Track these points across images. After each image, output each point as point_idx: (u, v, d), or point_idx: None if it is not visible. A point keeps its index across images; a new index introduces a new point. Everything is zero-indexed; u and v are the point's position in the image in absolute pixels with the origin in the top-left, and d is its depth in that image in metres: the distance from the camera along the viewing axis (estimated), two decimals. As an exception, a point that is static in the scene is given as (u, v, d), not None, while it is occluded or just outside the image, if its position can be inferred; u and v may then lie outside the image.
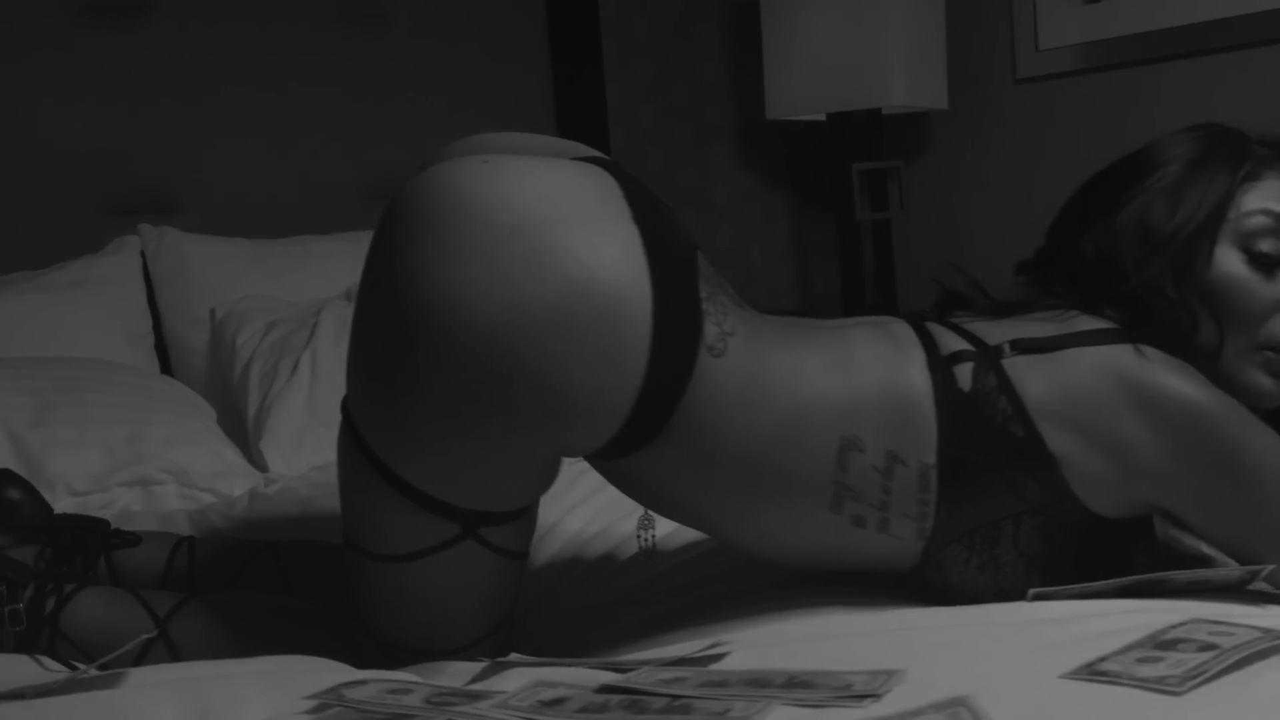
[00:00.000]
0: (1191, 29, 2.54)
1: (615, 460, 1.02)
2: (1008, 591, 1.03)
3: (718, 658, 0.94)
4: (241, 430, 1.92)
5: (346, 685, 0.89)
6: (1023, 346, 1.03)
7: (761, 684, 0.85)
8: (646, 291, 0.95)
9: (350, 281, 2.19)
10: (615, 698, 0.84)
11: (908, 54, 2.68)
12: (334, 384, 1.88)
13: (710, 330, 0.98)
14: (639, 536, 1.15)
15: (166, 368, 2.15)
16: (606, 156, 1.07)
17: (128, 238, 2.19)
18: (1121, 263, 1.07)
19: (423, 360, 0.95)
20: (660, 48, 2.99)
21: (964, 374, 1.02)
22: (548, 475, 1.05)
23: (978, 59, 2.88)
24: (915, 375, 1.02)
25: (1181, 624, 0.89)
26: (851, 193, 2.82)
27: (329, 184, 2.46)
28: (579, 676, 0.90)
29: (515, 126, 2.73)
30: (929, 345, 1.05)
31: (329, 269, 2.24)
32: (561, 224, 0.95)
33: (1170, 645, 0.85)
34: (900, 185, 2.91)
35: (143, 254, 2.18)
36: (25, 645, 1.11)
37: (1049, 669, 0.83)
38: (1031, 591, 1.01)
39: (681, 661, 0.92)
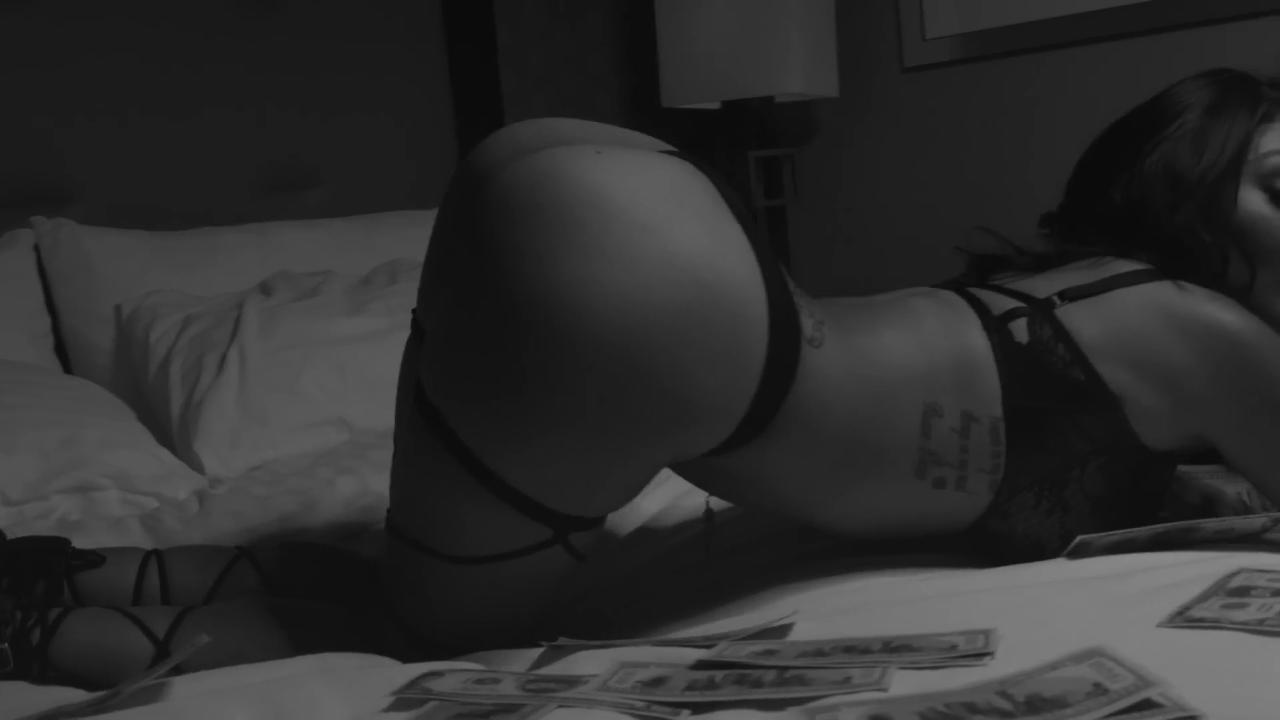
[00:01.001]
0: (1071, 19, 2.64)
1: (708, 457, 1.01)
2: (1072, 534, 1.06)
3: (787, 628, 0.93)
4: (162, 431, 1.82)
5: (425, 678, 0.85)
6: (1070, 295, 1.07)
7: (861, 650, 0.84)
8: (761, 292, 0.94)
9: (259, 275, 2.12)
10: (719, 674, 0.82)
11: (802, 42, 2.71)
12: (265, 381, 1.81)
13: (806, 323, 0.98)
14: (706, 535, 1.13)
15: (67, 368, 2.02)
16: (676, 149, 1.04)
17: (19, 231, 2.05)
18: (1151, 208, 1.12)
19: (548, 363, 0.90)
20: (551, 36, 2.96)
21: (1019, 329, 1.06)
22: (649, 480, 1.02)
23: (866, 48, 2.93)
24: (975, 336, 1.06)
25: (1236, 573, 0.92)
26: (748, 180, 2.85)
27: (223, 174, 2.35)
28: (659, 655, 0.88)
29: (414, 113, 2.69)
30: (980, 308, 1.07)
31: (237, 262, 2.15)
32: (688, 224, 0.92)
33: (1243, 592, 0.87)
34: (794, 172, 2.95)
35: (36, 248, 2.05)
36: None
37: (1139, 619, 0.85)
38: (1078, 539, 1.03)
39: (759, 634, 0.91)
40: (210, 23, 2.33)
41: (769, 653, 0.85)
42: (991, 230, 1.21)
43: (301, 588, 1.23)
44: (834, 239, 3.02)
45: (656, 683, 0.82)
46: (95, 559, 1.23)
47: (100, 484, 1.56)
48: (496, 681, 0.83)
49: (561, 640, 0.94)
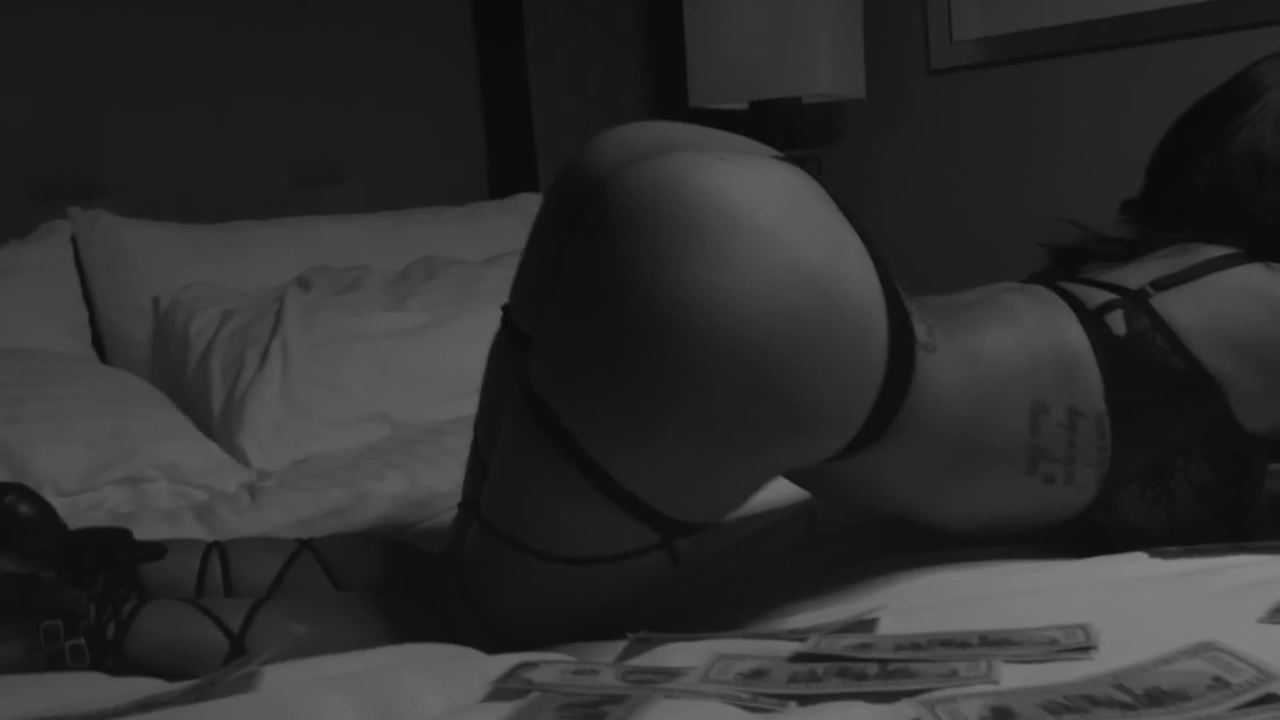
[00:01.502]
0: (1098, 24, 2.65)
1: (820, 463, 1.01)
2: (1179, 524, 1.07)
3: (873, 623, 0.93)
4: (202, 424, 1.82)
5: (521, 669, 0.84)
6: (1163, 283, 1.08)
7: (958, 644, 0.84)
8: (880, 299, 0.94)
9: (294, 269, 2.11)
10: (819, 667, 0.82)
11: (830, 43, 2.71)
12: (308, 375, 1.81)
13: (919, 328, 0.98)
14: (811, 538, 1.13)
15: (104, 360, 2.02)
16: (784, 155, 1.05)
17: (56, 222, 2.05)
18: (1237, 192, 1.13)
19: (675, 370, 0.90)
20: (578, 35, 2.96)
21: (1116, 321, 1.06)
22: (761, 488, 1.02)
23: (893, 50, 2.94)
24: (1073, 331, 1.06)
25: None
26: (774, 181, 2.84)
27: (256, 168, 2.35)
28: (751, 648, 0.88)
29: (442, 109, 2.69)
30: (1074, 303, 1.07)
31: (273, 256, 2.15)
32: (812, 232, 0.92)
33: (1336, 592, 0.87)
34: (820, 174, 2.95)
35: (73, 239, 2.04)
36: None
37: (1236, 615, 0.85)
38: (1152, 551, 1.03)
39: (847, 628, 0.91)
40: (244, 17, 2.33)
41: (864, 646, 0.85)
42: (1075, 221, 1.21)
43: (367, 580, 1.23)
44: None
45: (757, 675, 0.81)
46: (157, 550, 1.22)
47: (151, 475, 1.56)
48: (595, 673, 0.83)
49: (643, 633, 0.93)
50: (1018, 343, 1.04)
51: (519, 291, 1.13)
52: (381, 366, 1.86)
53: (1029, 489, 1.05)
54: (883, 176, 3.00)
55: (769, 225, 0.90)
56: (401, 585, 1.21)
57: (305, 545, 1.27)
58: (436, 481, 1.59)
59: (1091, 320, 1.06)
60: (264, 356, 1.82)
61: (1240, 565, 0.97)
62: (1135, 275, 1.10)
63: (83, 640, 1.01)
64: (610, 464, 0.93)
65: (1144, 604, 0.90)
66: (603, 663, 0.87)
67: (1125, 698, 0.70)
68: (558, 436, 0.94)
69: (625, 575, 0.99)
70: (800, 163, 3.02)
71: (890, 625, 0.93)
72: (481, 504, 1.04)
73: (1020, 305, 1.08)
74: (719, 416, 0.91)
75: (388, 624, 1.05)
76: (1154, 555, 1.03)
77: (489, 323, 1.97)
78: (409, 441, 1.74)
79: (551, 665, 0.85)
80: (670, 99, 3.05)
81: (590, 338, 0.93)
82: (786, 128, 2.90)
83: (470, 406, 1.88)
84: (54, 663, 1.01)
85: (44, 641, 1.01)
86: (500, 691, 0.81)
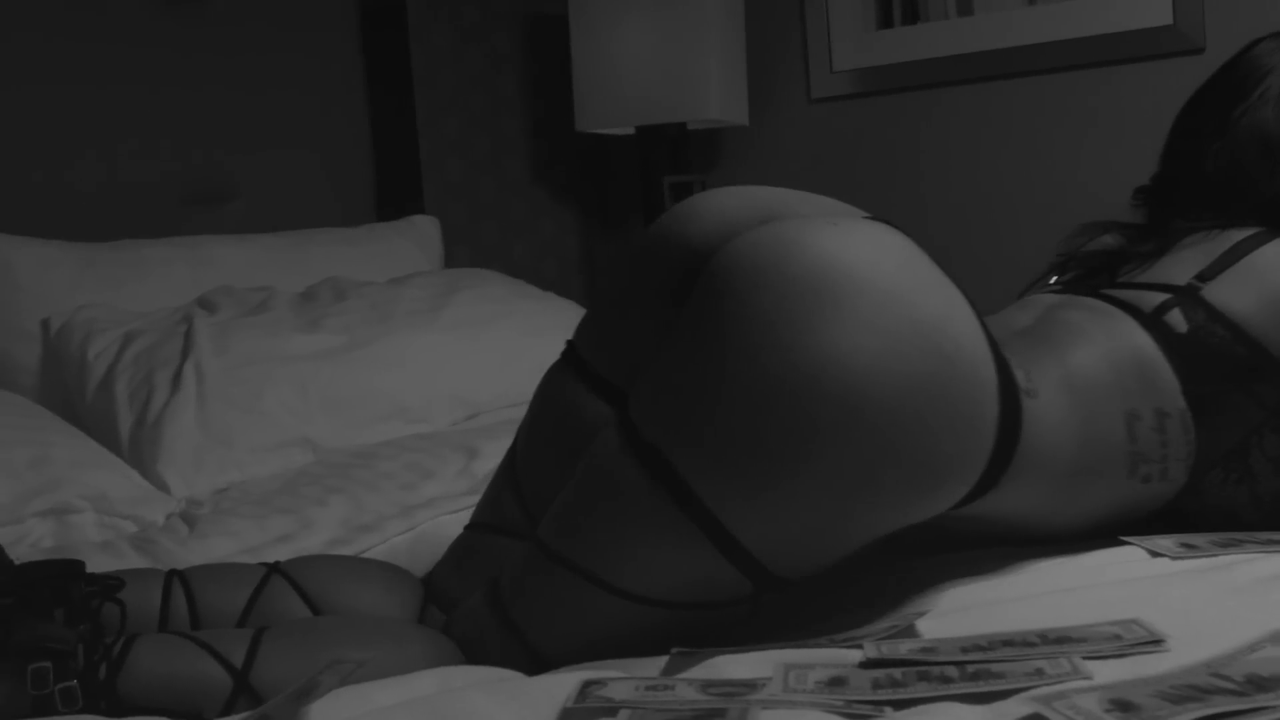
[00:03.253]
0: (973, 57, 2.75)
1: None
2: (1261, 497, 1.12)
3: (911, 626, 0.93)
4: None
5: (591, 687, 0.82)
6: (1207, 275, 1.12)
7: (1021, 643, 0.85)
8: (989, 355, 0.94)
9: (191, 289, 2.03)
10: (898, 672, 0.82)
11: (717, 69, 2.75)
12: (226, 399, 1.74)
13: (1019, 375, 0.99)
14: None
15: (-14, 388, 1.89)
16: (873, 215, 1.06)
17: (-66, 241, 1.91)
18: (1249, 175, 1.18)
19: (803, 430, 0.89)
20: (461, 58, 2.92)
21: (1175, 319, 1.10)
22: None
23: (775, 78, 2.99)
24: (1138, 336, 1.09)
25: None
26: (663, 205, 2.86)
27: (145, 184, 2.24)
28: (811, 657, 0.87)
29: (330, 129, 2.62)
30: (1129, 309, 1.12)
31: (169, 276, 2.05)
32: (926, 293, 0.92)
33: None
34: (705, 199, 2.97)
35: (-48, 259, 1.91)
36: None
37: (1276, 605, 0.88)
38: (1180, 543, 1.06)
39: (892, 634, 0.91)
40: (129, 29, 2.23)
41: (929, 650, 0.85)
42: (1103, 222, 1.25)
43: (350, 604, 1.16)
44: (743, 265, 3.05)
45: (837, 683, 0.81)
46: (115, 582, 1.13)
47: (77, 506, 1.46)
48: (671, 688, 0.81)
49: (685, 648, 0.92)
50: (1098, 359, 1.07)
51: (603, 345, 1.13)
52: (302, 389, 1.80)
53: (1130, 490, 1.08)
54: (765, 202, 3.04)
55: (888, 285, 0.90)
56: (395, 608, 1.15)
57: (274, 569, 1.20)
58: (381, 505, 1.53)
59: (1153, 323, 1.10)
60: (176, 380, 1.73)
61: (1247, 560, 1.00)
62: (1176, 270, 1.14)
63: (75, 683, 0.93)
64: (723, 512, 0.92)
65: (1176, 599, 0.93)
66: (676, 678, 0.84)
67: (1230, 685, 0.72)
68: (670, 482, 0.93)
69: (701, 621, 0.97)
70: (686, 188, 3.05)
71: (931, 629, 0.93)
72: (546, 535, 1.00)
73: (1083, 321, 1.11)
74: (842, 475, 0.90)
75: (416, 647, 1.00)
76: (1155, 556, 1.07)
77: (409, 345, 1.95)
78: (340, 466, 1.67)
79: (621, 682, 0.83)
80: (556, 123, 3.04)
81: (716, 392, 0.91)
82: (673, 153, 2.92)
83: (395, 430, 1.84)
84: (42, 708, 0.93)
85: (31, 685, 0.93)
86: (578, 712, 0.79)
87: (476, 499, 1.52)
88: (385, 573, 1.20)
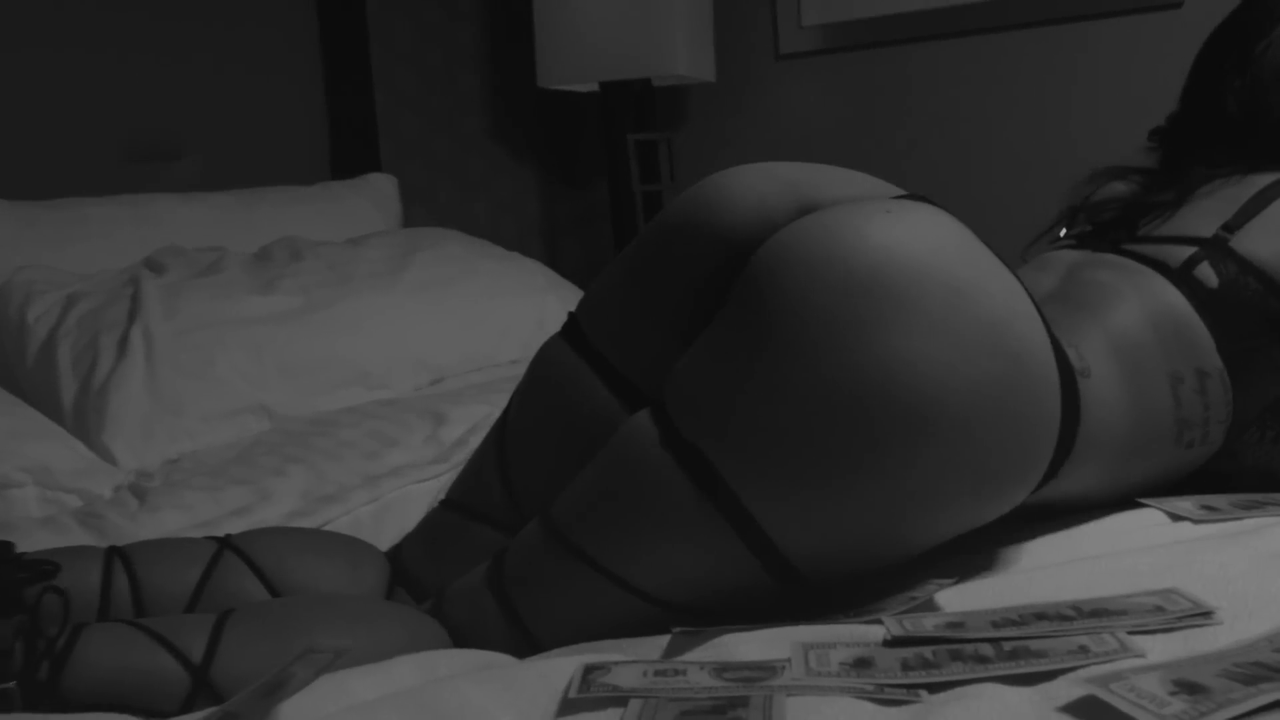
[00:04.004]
0: (943, 12, 2.68)
1: None
2: None
3: (930, 600, 0.87)
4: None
5: (594, 672, 0.74)
6: (1234, 224, 1.06)
7: (1055, 616, 0.78)
8: (1049, 347, 0.86)
9: (138, 250, 1.92)
10: (927, 651, 0.75)
11: (683, 24, 2.66)
12: (176, 365, 1.64)
13: (1071, 355, 0.92)
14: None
15: (-81, 354, 1.77)
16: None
17: None
18: (1271, 114, 1.13)
19: (869, 440, 0.81)
20: (417, 11, 2.81)
21: (1205, 274, 1.04)
22: None
23: (742, 34, 2.91)
24: (1170, 294, 1.03)
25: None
26: (627, 164, 2.78)
27: (88, 141, 2.13)
28: (827, 634, 0.80)
29: (283, 84, 2.51)
30: (1156, 265, 1.05)
31: (114, 236, 1.94)
32: (987, 283, 0.84)
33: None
34: (671, 157, 2.89)
35: (-120, 218, 1.79)
36: None
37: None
38: (1200, 505, 1.00)
39: (910, 608, 0.84)
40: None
41: (957, 625, 0.78)
42: (1114, 168, 1.19)
43: (312, 581, 1.08)
44: (710, 226, 2.98)
45: (863, 664, 0.74)
46: (49, 567, 1.03)
47: (17, 479, 1.36)
48: (681, 673, 0.74)
49: (681, 630, 0.84)
50: (1138, 320, 1.01)
51: (618, 339, 1.02)
52: (257, 354, 1.70)
53: (1174, 458, 1.03)
54: (731, 160, 2.94)
55: (953, 281, 0.82)
56: (361, 586, 1.07)
57: (225, 544, 1.09)
58: (344, 475, 1.45)
59: (1182, 278, 1.04)
60: (123, 345, 1.63)
61: (1277, 524, 0.95)
62: (1199, 221, 1.08)
63: (13, 685, 0.84)
64: (765, 516, 0.84)
65: (1214, 566, 0.86)
66: (683, 661, 0.77)
67: (1301, 663, 0.66)
68: (709, 483, 0.85)
69: (709, 617, 0.90)
70: (651, 146, 2.96)
71: (952, 601, 0.87)
72: (562, 523, 0.92)
73: (1114, 280, 1.04)
74: (904, 485, 0.82)
75: (394, 629, 0.92)
76: (1175, 520, 1.01)
77: (370, 307, 1.85)
78: (298, 434, 1.58)
79: (626, 667, 0.75)
80: (516, 79, 2.94)
81: (770, 396, 0.83)
82: (638, 110, 2.83)
83: (355, 396, 1.75)
84: None
85: None
86: (583, 702, 0.71)
87: (445, 467, 1.45)
88: (349, 547, 1.11)
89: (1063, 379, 0.87)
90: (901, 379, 0.80)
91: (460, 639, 0.93)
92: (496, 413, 1.57)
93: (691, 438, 0.85)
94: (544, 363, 1.08)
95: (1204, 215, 1.09)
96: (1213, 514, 0.99)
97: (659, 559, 0.87)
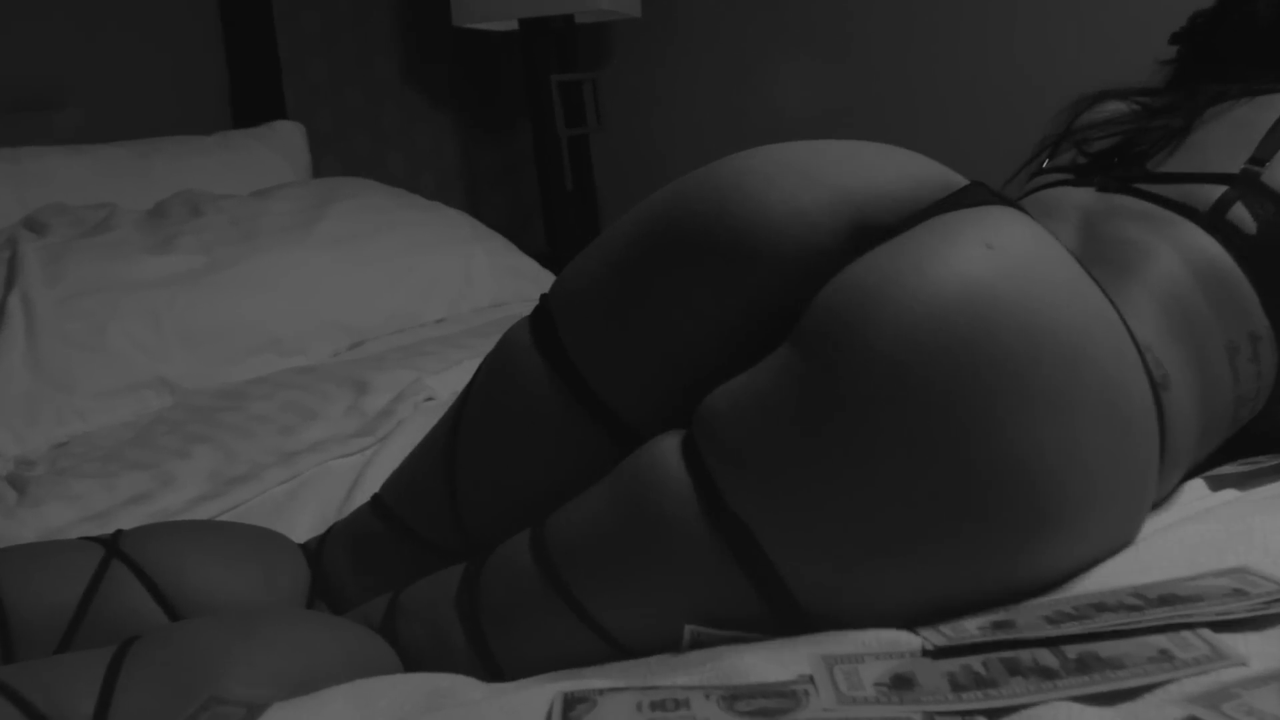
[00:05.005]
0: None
1: None
2: None
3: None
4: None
5: (576, 706, 0.60)
6: (1261, 155, 0.92)
7: (1119, 607, 0.66)
8: (1150, 391, 0.74)
9: (18, 209, 1.74)
10: (975, 662, 0.62)
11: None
12: (62, 336, 1.47)
13: (1150, 362, 0.78)
14: None
15: None
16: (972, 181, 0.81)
17: None
18: None
19: (967, 540, 0.68)
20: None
21: (1240, 217, 0.89)
22: None
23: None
24: (1205, 242, 0.88)
25: None
26: (550, 106, 2.61)
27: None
28: (852, 643, 0.67)
29: (176, 27, 2.30)
30: (1180, 208, 0.90)
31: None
32: (1095, 332, 0.71)
33: None
34: (597, 98, 2.73)
35: None
36: None
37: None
38: (1242, 468, 0.89)
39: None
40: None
41: (1005, 625, 0.66)
42: (1105, 91, 1.05)
43: (215, 594, 0.89)
44: (641, 170, 2.82)
45: (902, 683, 0.61)
46: None
47: (-125, 472, 1.18)
48: (683, 704, 0.60)
49: (696, 628, 0.71)
50: (1186, 287, 0.86)
51: (599, 358, 0.82)
52: (154, 321, 1.52)
53: (1223, 437, 0.90)
54: (666, 99, 2.81)
55: (1068, 337, 0.69)
56: (282, 593, 0.91)
57: (113, 552, 0.89)
58: (256, 453, 1.29)
59: (1215, 224, 0.89)
60: (-1, 315, 1.45)
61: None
62: (1220, 154, 0.94)
63: None
64: (812, 599, 0.70)
65: (1266, 532, 0.75)
66: (680, 686, 0.63)
67: None
68: (749, 559, 0.70)
69: None
70: (575, 87, 2.80)
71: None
72: (554, 554, 0.76)
73: (1144, 236, 0.89)
74: (1002, 567, 0.70)
75: (330, 651, 0.76)
76: (1215, 489, 0.89)
77: (279, 265, 1.68)
78: (205, 410, 1.42)
79: (615, 698, 0.61)
80: (430, 18, 2.75)
81: (852, 482, 0.68)
82: (560, 49, 2.67)
83: (268, 365, 1.59)
84: None
85: None
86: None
87: (369, 441, 1.29)
88: (261, 549, 0.93)
89: (1160, 421, 0.75)
90: (1017, 474, 0.67)
91: (413, 661, 0.78)
92: (425, 380, 1.43)
93: (739, 509, 0.70)
94: (508, 364, 0.88)
95: (1222, 146, 0.95)
96: (1257, 479, 0.88)
97: (659, 622, 0.73)
